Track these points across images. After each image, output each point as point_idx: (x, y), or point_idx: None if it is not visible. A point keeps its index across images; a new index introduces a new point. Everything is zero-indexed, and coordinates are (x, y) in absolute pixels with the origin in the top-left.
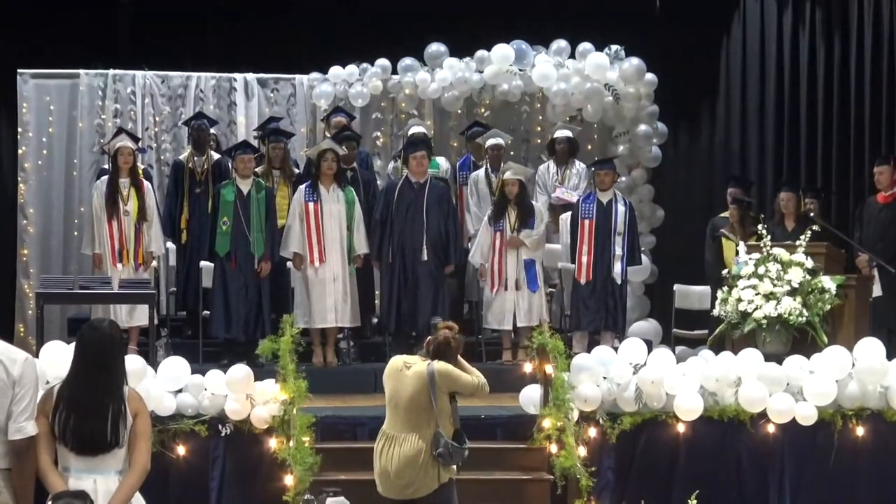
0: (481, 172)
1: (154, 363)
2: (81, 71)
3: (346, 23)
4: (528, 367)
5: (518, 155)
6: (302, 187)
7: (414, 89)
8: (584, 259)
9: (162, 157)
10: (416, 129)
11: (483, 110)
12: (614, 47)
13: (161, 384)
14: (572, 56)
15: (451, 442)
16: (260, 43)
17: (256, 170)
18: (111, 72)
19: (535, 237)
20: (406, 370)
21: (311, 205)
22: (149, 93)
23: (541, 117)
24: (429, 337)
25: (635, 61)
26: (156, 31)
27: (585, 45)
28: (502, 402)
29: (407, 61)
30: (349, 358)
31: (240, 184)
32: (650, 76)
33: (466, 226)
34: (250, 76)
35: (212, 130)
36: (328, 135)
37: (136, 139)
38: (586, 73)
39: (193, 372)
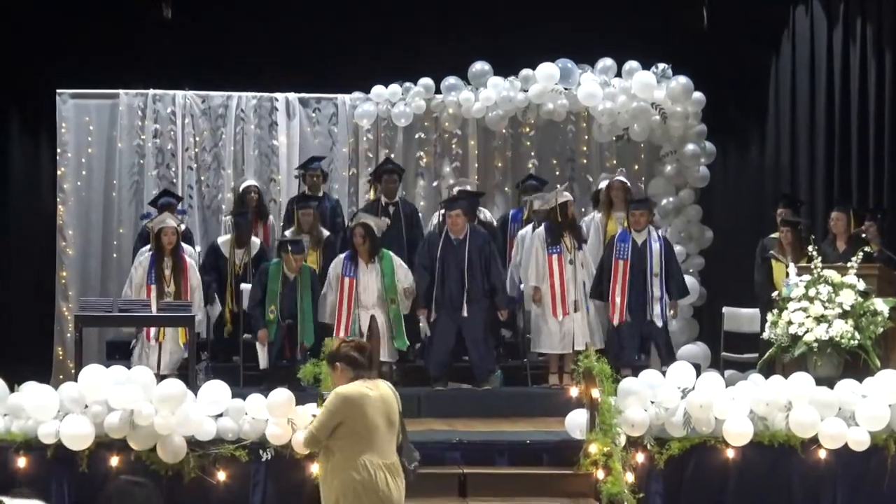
0: (530, 229)
1: (194, 387)
2: (121, 91)
3: (388, 41)
4: (574, 392)
5: (563, 175)
6: (341, 257)
7: (458, 108)
8: (618, 300)
9: (202, 178)
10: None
11: (528, 130)
12: (661, 65)
13: (201, 408)
14: (618, 74)
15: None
16: (301, 62)
17: (286, 233)
18: (151, 92)
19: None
20: (372, 393)
21: (346, 280)
22: (189, 113)
23: (586, 137)
24: (346, 356)
25: (682, 79)
26: (196, 51)
27: (632, 64)
28: (548, 427)
29: (450, 80)
30: (391, 381)
31: (287, 272)
32: (698, 94)
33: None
34: (292, 96)
35: (255, 187)
36: (371, 196)
37: (177, 200)
38: (633, 92)
39: (234, 396)
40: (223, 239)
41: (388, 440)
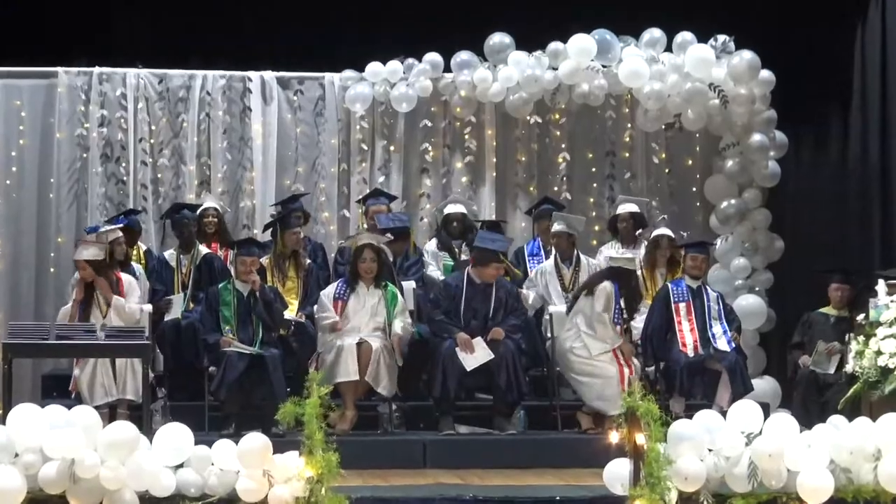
0: (550, 264)
1: (149, 431)
2: (60, 69)
3: (387, 10)
4: (614, 437)
5: (602, 172)
6: (338, 283)
7: (471, 90)
8: (689, 338)
9: (159, 176)
10: (454, 209)
11: (557, 117)
12: (721, 38)
13: (157, 457)
14: (668, 48)
15: None
16: (281, 34)
17: (262, 260)
18: (96, 70)
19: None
20: None
21: (339, 303)
22: (143, 96)
23: (629, 125)
24: None
25: (747, 55)
26: (152, 20)
27: (685, 36)
28: (583, 480)
29: (463, 56)
30: (391, 425)
31: (240, 287)
32: (766, 73)
33: None
34: (268, 75)
35: (214, 209)
36: (365, 225)
37: (134, 218)
38: (686, 71)
39: (197, 442)
40: (169, 252)
41: None
